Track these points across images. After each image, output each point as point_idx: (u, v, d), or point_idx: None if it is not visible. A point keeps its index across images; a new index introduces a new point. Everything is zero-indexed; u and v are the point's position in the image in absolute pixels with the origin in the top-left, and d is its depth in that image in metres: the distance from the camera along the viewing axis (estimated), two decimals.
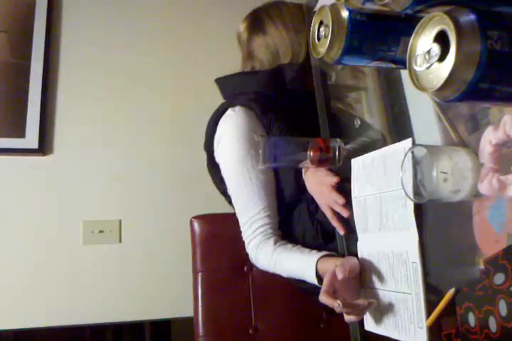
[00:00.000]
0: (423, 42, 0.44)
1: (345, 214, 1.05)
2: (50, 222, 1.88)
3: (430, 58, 0.42)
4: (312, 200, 1.22)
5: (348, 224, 1.06)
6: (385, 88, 1.00)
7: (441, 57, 0.42)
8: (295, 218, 1.30)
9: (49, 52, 1.99)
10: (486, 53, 0.39)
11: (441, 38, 0.42)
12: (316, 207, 1.22)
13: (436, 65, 0.42)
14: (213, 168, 1.37)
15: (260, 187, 1.25)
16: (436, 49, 0.42)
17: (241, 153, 1.25)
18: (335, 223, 1.09)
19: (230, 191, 1.32)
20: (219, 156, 1.33)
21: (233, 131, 1.27)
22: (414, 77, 0.45)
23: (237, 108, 1.29)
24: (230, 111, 1.30)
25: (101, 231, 1.90)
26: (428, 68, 0.43)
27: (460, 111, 0.75)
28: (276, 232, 1.26)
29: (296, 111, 1.29)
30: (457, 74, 0.41)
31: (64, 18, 2.08)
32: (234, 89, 1.39)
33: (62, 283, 1.85)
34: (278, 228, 1.27)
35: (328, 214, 1.10)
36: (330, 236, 1.19)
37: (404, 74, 0.89)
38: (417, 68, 0.44)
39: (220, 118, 1.31)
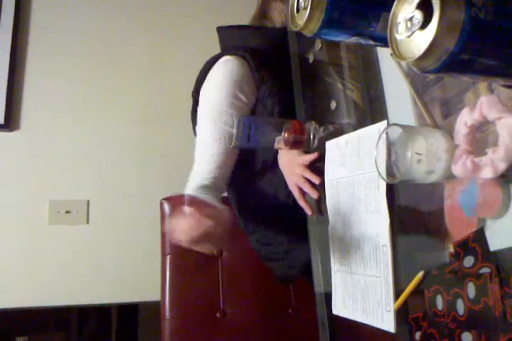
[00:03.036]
0: (405, 9, 0.43)
1: (314, 195, 1.04)
2: (15, 200, 1.84)
3: (412, 26, 0.41)
4: None
5: (319, 206, 1.05)
6: (361, 70, 0.99)
7: (424, 25, 0.40)
8: (267, 178, 1.27)
9: (18, 22, 1.92)
10: (469, 21, 0.38)
11: (425, 5, 0.40)
12: None
13: (417, 33, 0.41)
14: (196, 114, 1.31)
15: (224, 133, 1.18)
16: (418, 16, 0.40)
17: (222, 95, 1.20)
18: (302, 203, 1.08)
19: (196, 130, 1.27)
20: (201, 95, 1.28)
21: (222, 74, 1.23)
22: (395, 45, 0.43)
23: (233, 57, 1.26)
24: (224, 58, 1.27)
25: (68, 212, 1.86)
26: (409, 36, 0.41)
27: (435, 95, 0.74)
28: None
29: (290, 74, 1.26)
30: (439, 42, 0.39)
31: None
32: (235, 41, 1.37)
33: (25, 263, 1.81)
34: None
35: (296, 194, 1.09)
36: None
37: (382, 56, 0.88)
38: (398, 36, 0.43)
39: (213, 65, 1.28)
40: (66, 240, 1.86)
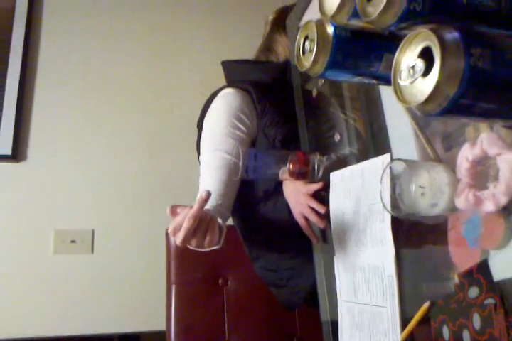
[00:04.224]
0: (408, 57, 0.46)
1: (321, 225, 1.06)
2: (21, 230, 1.85)
3: (415, 73, 0.44)
4: None
5: (324, 234, 1.07)
6: (364, 105, 1.02)
7: (426, 73, 0.43)
8: (270, 204, 1.28)
9: (27, 55, 1.97)
10: (468, 70, 0.41)
11: (426, 54, 0.43)
12: None
13: (420, 79, 0.43)
14: (200, 144, 1.34)
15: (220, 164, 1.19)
16: (420, 64, 0.43)
17: (222, 125, 1.23)
18: (308, 232, 1.09)
19: (200, 160, 1.28)
20: (203, 125, 1.31)
21: (222, 106, 1.26)
22: (399, 91, 0.46)
23: (235, 89, 1.29)
24: (226, 90, 1.30)
25: (73, 241, 1.87)
26: (412, 83, 0.44)
27: (437, 129, 0.76)
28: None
29: (292, 106, 1.29)
30: (440, 89, 0.42)
31: (43, 28, 2.07)
32: (239, 75, 1.40)
33: (30, 293, 1.81)
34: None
35: (302, 223, 1.10)
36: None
37: (384, 91, 0.91)
38: (401, 82, 0.45)
39: (216, 97, 1.31)
40: (71, 269, 1.86)
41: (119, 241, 1.92)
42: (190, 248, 0.99)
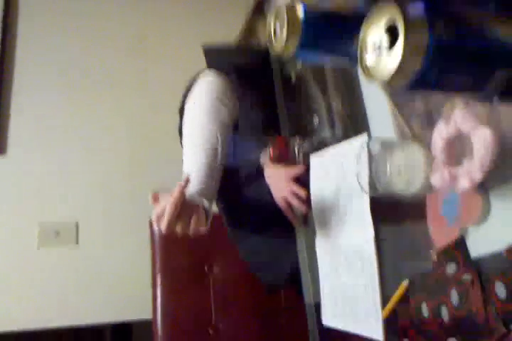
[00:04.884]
0: (373, 32, 0.45)
1: (302, 208, 1.06)
2: (5, 223, 1.83)
3: (380, 48, 0.43)
4: None
5: (306, 218, 1.07)
6: (342, 85, 1.02)
7: (391, 47, 0.42)
8: (253, 188, 1.27)
9: (5, 43, 1.94)
10: (433, 43, 0.40)
11: (391, 29, 0.43)
12: None
13: (386, 54, 0.43)
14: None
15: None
16: (385, 39, 0.43)
17: (203, 109, 1.20)
18: (290, 216, 1.10)
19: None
20: (184, 110, 1.27)
21: (203, 90, 1.23)
22: (365, 66, 0.46)
23: (216, 72, 1.26)
24: (207, 71, 1.28)
25: (57, 233, 1.86)
26: (378, 57, 0.44)
27: (415, 107, 0.77)
28: None
29: (273, 90, 1.28)
30: (406, 63, 0.41)
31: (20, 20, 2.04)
32: (220, 60, 1.38)
33: (16, 285, 1.80)
34: None
35: (283, 207, 1.11)
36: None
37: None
38: (367, 58, 0.45)
39: (196, 81, 1.28)
40: (56, 261, 1.85)
41: (103, 232, 1.91)
42: (177, 234, 0.99)
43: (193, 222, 0.94)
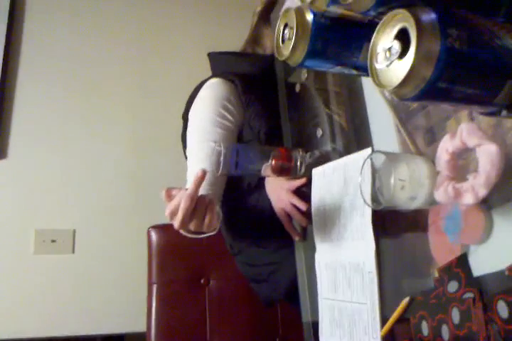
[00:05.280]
0: (384, 39, 0.45)
1: (303, 223, 1.04)
2: (1, 229, 1.82)
3: (391, 55, 0.43)
4: None
5: (305, 231, 1.06)
6: (346, 98, 1.01)
7: (402, 55, 0.42)
8: (253, 199, 1.27)
9: (8, 52, 1.94)
10: (445, 51, 0.40)
11: (402, 36, 0.42)
12: None
13: (396, 62, 0.42)
14: (186, 136, 1.30)
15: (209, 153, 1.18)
16: (396, 46, 0.42)
17: (208, 115, 1.21)
18: (289, 230, 1.08)
19: (187, 152, 1.27)
20: (189, 116, 1.29)
21: (209, 96, 1.25)
22: (375, 74, 0.45)
23: (221, 80, 1.28)
24: (212, 80, 1.29)
25: (53, 241, 1.84)
26: (388, 66, 0.43)
27: (419, 123, 0.76)
28: None
29: (277, 99, 1.28)
30: (416, 71, 0.41)
31: (26, 22, 2.05)
32: (225, 67, 1.39)
33: (9, 293, 1.78)
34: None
35: (283, 220, 1.09)
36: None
37: (366, 84, 0.90)
38: (377, 65, 0.44)
39: (201, 88, 1.29)
40: (51, 270, 1.83)
41: (100, 241, 1.90)
42: (186, 234, 0.97)
43: (207, 219, 0.91)
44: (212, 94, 1.24)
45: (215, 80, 1.28)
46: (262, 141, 1.22)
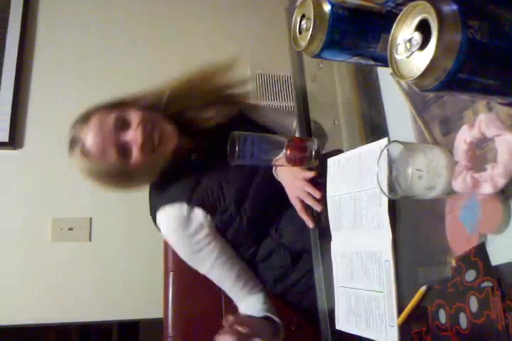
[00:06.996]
0: (405, 30, 0.45)
1: (318, 207, 1.05)
2: (19, 218, 1.84)
3: (411, 47, 0.43)
4: (276, 228, 1.25)
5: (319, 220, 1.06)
6: (362, 89, 1.01)
7: (422, 46, 0.42)
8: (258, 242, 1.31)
9: (23, 41, 1.95)
10: (466, 42, 0.40)
11: (423, 27, 0.42)
12: (280, 234, 1.26)
13: (417, 53, 0.42)
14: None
15: (221, 267, 1.26)
16: (417, 37, 0.42)
17: (188, 252, 1.27)
18: (304, 216, 1.08)
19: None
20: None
21: (171, 230, 1.26)
22: (395, 65, 0.45)
23: (168, 208, 1.25)
24: (161, 213, 1.27)
25: (70, 229, 1.86)
26: (409, 57, 0.43)
27: (435, 113, 0.76)
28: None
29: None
30: (437, 63, 0.41)
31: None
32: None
33: (28, 281, 1.81)
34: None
35: (298, 207, 1.10)
36: (297, 257, 1.25)
37: (382, 75, 0.90)
38: (398, 57, 0.44)
39: (157, 217, 1.29)
40: (69, 257, 1.86)
41: (116, 229, 1.92)
42: None
43: None
44: (173, 229, 1.24)
45: (164, 212, 1.26)
46: (248, 225, 1.25)
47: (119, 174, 1.18)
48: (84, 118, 1.20)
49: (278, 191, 1.15)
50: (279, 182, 1.16)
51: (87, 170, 1.20)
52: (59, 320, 1.82)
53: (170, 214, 1.25)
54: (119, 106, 1.20)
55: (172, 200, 1.25)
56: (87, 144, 1.15)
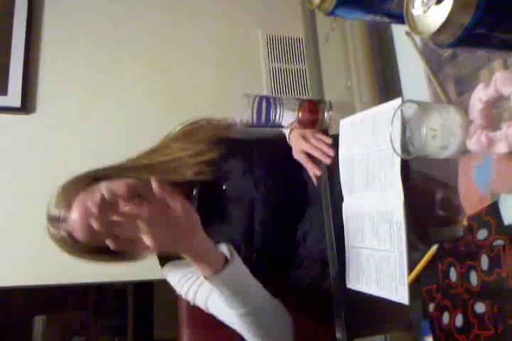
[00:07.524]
0: None
1: (326, 160, 1.03)
2: (32, 182, 1.86)
3: (428, 1, 0.42)
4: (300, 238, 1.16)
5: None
6: (376, 50, 1.00)
7: (439, 1, 0.41)
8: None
9: (32, 6, 1.93)
10: None
11: None
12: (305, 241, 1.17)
13: (433, 8, 0.42)
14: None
15: None
16: None
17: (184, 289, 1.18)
18: (309, 165, 1.07)
19: None
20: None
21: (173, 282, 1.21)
22: (411, 20, 0.44)
23: (170, 265, 1.22)
24: (164, 271, 1.24)
25: None
26: (425, 12, 0.42)
27: (450, 72, 0.75)
28: None
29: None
30: (454, 18, 0.40)
31: None
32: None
33: (46, 241, 1.84)
34: None
35: (302, 158, 1.08)
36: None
37: (396, 34, 0.88)
38: (414, 12, 0.44)
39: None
40: None
41: None
42: None
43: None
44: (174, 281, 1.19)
45: (167, 270, 1.22)
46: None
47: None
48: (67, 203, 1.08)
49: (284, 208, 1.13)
50: (280, 200, 1.13)
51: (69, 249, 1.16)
52: (76, 280, 1.86)
53: (175, 277, 1.21)
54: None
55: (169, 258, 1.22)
56: (75, 232, 1.08)
